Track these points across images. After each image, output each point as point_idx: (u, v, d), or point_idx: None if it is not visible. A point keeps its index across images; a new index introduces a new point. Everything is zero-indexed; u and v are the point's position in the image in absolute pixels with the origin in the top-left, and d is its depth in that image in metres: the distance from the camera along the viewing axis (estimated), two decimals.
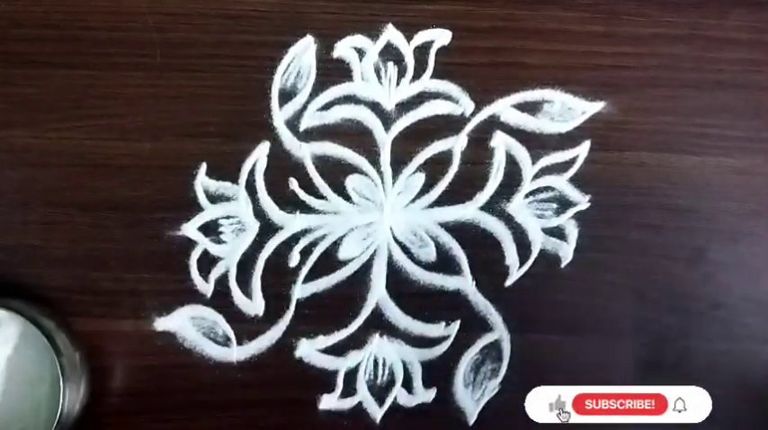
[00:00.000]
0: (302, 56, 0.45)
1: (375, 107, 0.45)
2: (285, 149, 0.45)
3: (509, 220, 0.45)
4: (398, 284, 0.45)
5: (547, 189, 0.45)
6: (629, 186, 0.45)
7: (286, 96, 0.45)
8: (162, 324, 0.44)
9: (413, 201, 0.45)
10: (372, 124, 0.45)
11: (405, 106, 0.45)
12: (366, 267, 0.45)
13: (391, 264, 0.45)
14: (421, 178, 0.45)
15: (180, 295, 0.44)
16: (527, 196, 0.45)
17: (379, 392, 0.45)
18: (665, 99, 0.45)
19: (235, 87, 0.44)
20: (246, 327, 0.44)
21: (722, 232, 0.45)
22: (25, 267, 0.44)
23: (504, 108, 0.45)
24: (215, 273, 0.44)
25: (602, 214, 0.45)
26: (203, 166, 0.44)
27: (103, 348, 0.44)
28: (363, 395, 0.45)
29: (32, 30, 0.44)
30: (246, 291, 0.44)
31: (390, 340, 0.45)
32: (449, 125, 0.45)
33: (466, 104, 0.45)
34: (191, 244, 0.44)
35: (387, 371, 0.45)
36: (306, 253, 0.45)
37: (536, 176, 0.45)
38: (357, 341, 0.45)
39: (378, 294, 0.45)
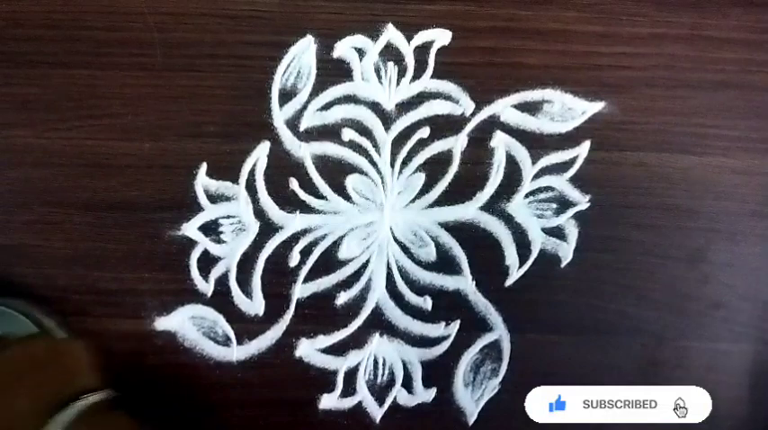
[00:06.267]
0: (302, 56, 0.44)
1: (375, 107, 0.45)
2: (285, 149, 0.45)
3: (509, 220, 0.45)
4: (398, 284, 0.45)
5: (547, 189, 0.45)
6: (629, 186, 0.45)
7: (286, 96, 0.45)
8: (162, 324, 0.44)
9: (413, 201, 0.45)
10: (372, 124, 0.45)
11: (405, 106, 0.45)
12: (366, 267, 0.45)
13: (391, 264, 0.45)
14: (421, 178, 0.45)
15: (180, 295, 0.44)
16: (527, 196, 0.45)
17: (379, 392, 0.45)
18: (665, 99, 0.45)
19: (235, 87, 0.44)
20: (246, 327, 0.44)
21: (722, 232, 0.45)
22: (25, 267, 0.44)
23: (504, 108, 0.45)
24: (215, 273, 0.44)
25: (602, 214, 0.45)
26: (203, 166, 0.44)
27: (103, 348, 0.44)
28: (363, 395, 0.45)
29: (32, 30, 0.44)
30: (246, 290, 0.44)
31: (390, 340, 0.45)
32: (449, 125, 0.45)
33: (466, 104, 0.45)
34: (191, 244, 0.44)
35: (387, 371, 0.45)
36: (306, 253, 0.45)
37: (536, 176, 0.45)
38: (357, 341, 0.45)
39: (378, 294, 0.45)
